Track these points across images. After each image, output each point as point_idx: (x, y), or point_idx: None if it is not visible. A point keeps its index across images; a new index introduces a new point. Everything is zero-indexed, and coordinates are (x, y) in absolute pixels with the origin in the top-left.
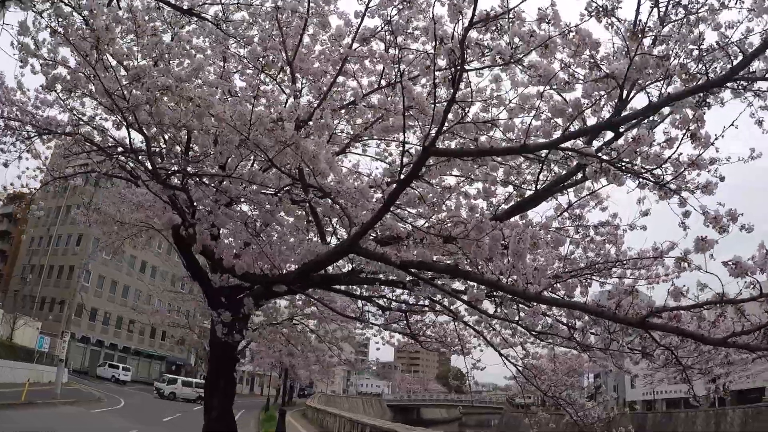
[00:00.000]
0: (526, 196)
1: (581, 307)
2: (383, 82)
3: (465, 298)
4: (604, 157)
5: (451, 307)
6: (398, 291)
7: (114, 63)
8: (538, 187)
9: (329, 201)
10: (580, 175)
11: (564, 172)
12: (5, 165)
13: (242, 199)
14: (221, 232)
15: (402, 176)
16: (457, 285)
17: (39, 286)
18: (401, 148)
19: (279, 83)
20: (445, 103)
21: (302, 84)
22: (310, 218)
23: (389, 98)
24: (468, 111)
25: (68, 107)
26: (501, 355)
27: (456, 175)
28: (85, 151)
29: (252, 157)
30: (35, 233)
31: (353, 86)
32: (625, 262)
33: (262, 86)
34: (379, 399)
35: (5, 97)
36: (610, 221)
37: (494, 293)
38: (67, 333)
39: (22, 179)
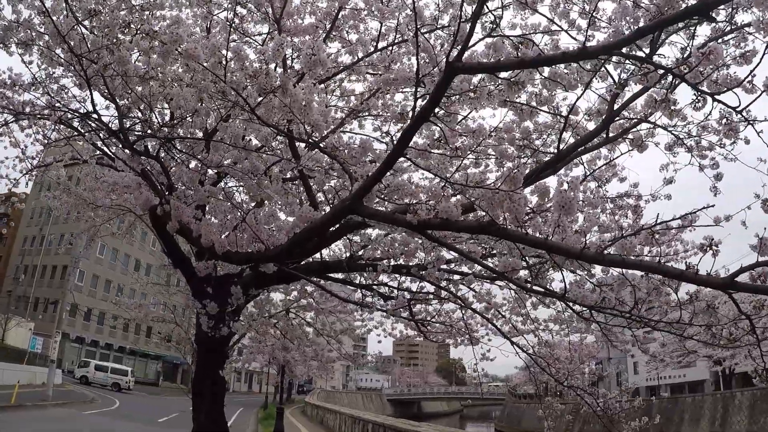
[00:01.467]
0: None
1: (654, 268)
2: (381, 44)
3: (493, 267)
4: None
5: (459, 294)
6: (401, 279)
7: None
8: (560, 147)
9: (324, 162)
10: (602, 137)
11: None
12: None
13: (225, 172)
14: (206, 211)
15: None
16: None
17: (32, 286)
18: (413, 91)
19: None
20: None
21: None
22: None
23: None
24: (499, 21)
25: (40, 83)
26: (512, 343)
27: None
28: (65, 137)
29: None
30: (28, 233)
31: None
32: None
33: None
34: (379, 394)
35: None
36: (630, 192)
37: (528, 261)
38: (58, 333)
39: (1, 169)
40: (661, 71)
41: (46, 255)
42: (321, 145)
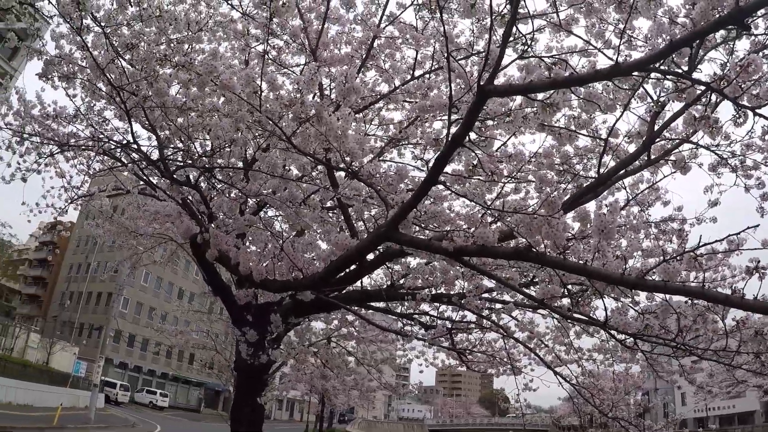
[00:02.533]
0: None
1: (698, 293)
2: (417, 72)
3: (532, 294)
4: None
5: (501, 323)
6: (442, 308)
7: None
8: (600, 170)
9: (363, 190)
10: (643, 159)
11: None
12: (23, 180)
13: (265, 201)
14: (245, 240)
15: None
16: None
17: (78, 312)
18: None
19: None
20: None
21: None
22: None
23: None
24: (532, 43)
25: (84, 115)
26: (555, 373)
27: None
28: (108, 168)
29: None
30: (74, 261)
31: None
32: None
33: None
34: (421, 424)
35: (25, 111)
36: (675, 216)
37: (569, 288)
38: (102, 358)
39: (47, 199)
40: (699, 86)
41: (92, 282)
42: (357, 173)
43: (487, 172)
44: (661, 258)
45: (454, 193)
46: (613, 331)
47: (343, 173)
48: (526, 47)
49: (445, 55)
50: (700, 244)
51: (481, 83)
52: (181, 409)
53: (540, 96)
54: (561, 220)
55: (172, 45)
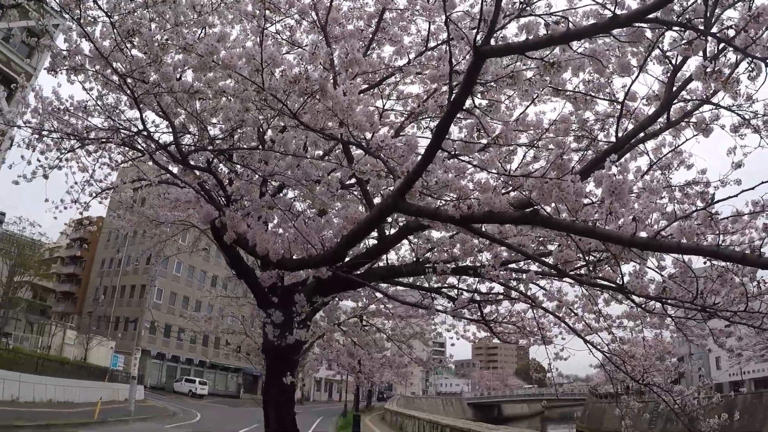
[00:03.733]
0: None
1: (713, 252)
2: (432, 44)
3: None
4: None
5: (528, 293)
6: (470, 280)
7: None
8: (619, 134)
9: (377, 166)
10: (662, 122)
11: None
12: (45, 177)
13: (276, 179)
14: (269, 222)
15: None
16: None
17: (112, 306)
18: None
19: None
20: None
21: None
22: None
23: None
24: (530, 4)
25: (101, 107)
26: (585, 341)
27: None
28: (130, 159)
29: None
30: (105, 255)
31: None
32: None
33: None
34: (459, 398)
35: (43, 108)
36: (698, 179)
37: (585, 254)
38: (138, 350)
39: (71, 194)
40: (705, 37)
41: (124, 275)
42: (367, 146)
43: (490, 136)
44: (675, 218)
45: (465, 162)
46: (632, 296)
47: (359, 149)
48: (523, 5)
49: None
50: (714, 200)
51: (477, 44)
52: (221, 396)
53: (542, 55)
54: (577, 185)
55: (173, 29)
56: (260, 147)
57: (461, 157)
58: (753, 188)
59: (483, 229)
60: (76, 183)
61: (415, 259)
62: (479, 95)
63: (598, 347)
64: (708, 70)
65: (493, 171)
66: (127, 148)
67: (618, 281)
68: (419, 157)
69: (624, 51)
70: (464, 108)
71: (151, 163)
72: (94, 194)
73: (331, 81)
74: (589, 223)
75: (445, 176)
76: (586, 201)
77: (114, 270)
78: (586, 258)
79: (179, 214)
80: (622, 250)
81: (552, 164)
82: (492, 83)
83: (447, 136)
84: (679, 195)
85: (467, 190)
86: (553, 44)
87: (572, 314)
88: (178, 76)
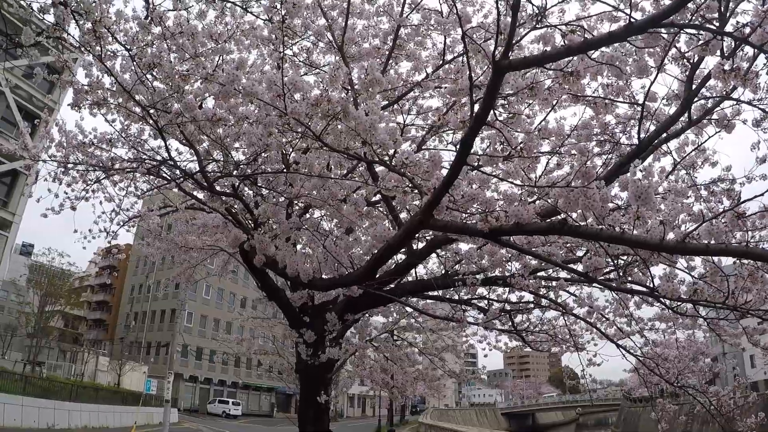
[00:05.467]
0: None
1: (742, 252)
2: (447, 57)
3: (577, 269)
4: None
5: (559, 300)
6: (499, 291)
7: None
8: (641, 136)
9: (403, 183)
10: (684, 121)
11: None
12: (73, 208)
13: (303, 200)
14: (297, 243)
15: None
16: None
17: (144, 332)
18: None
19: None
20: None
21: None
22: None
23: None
24: (545, 12)
25: (125, 138)
26: (618, 346)
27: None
28: (155, 187)
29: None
30: (134, 282)
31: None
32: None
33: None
34: (493, 408)
35: (67, 141)
36: (724, 176)
37: (614, 259)
38: (171, 374)
39: (99, 224)
40: (720, 37)
41: (154, 300)
42: (391, 164)
43: (513, 148)
44: (702, 220)
45: (488, 175)
46: (663, 299)
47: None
48: (539, 17)
49: (460, 34)
50: (741, 200)
51: (495, 59)
52: (255, 416)
53: (559, 66)
54: (602, 191)
55: (193, 60)
56: (285, 170)
57: (484, 169)
58: None
59: (513, 241)
60: (103, 212)
61: (444, 272)
62: (501, 108)
63: (631, 351)
64: (726, 68)
65: (518, 182)
66: (152, 177)
67: (648, 284)
68: (444, 173)
69: (641, 53)
70: (488, 122)
71: (176, 190)
72: (121, 223)
73: (352, 101)
74: (616, 229)
75: (470, 189)
76: (611, 206)
77: (144, 296)
78: (615, 263)
79: (207, 239)
80: (651, 254)
81: (576, 172)
82: (512, 96)
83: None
84: (705, 194)
85: (493, 202)
86: (571, 55)
87: (603, 319)
88: (199, 104)
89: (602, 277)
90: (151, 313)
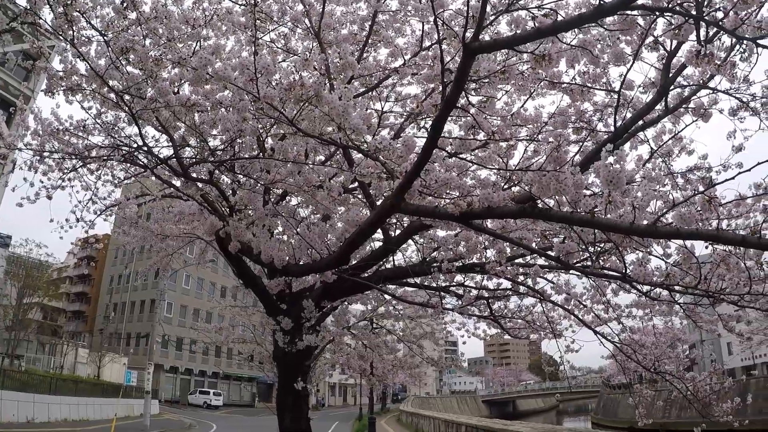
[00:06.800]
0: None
1: (712, 236)
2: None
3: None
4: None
5: (536, 287)
6: (477, 278)
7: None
8: (617, 124)
9: (378, 168)
10: (661, 109)
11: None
12: (49, 197)
13: (279, 187)
14: (274, 230)
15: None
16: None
17: (123, 323)
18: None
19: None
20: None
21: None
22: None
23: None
24: None
25: (102, 125)
26: (595, 332)
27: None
28: (132, 175)
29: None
30: (113, 272)
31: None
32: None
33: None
34: (474, 396)
35: (43, 129)
36: (700, 165)
37: (587, 245)
38: (151, 365)
39: (75, 213)
40: (691, 21)
41: (133, 291)
42: (365, 149)
43: (487, 133)
44: (673, 204)
45: (464, 160)
46: (636, 284)
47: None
48: (511, 1)
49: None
50: (712, 184)
51: (466, 41)
52: (236, 406)
53: (531, 49)
54: (576, 177)
55: (166, 44)
56: (260, 156)
57: (461, 155)
58: (749, 170)
59: (485, 225)
60: (80, 202)
61: (421, 259)
62: (473, 92)
63: (609, 338)
64: (699, 53)
65: (493, 167)
66: (129, 165)
67: (622, 270)
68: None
69: (617, 40)
70: (459, 106)
71: (153, 178)
72: (98, 212)
73: (327, 86)
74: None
75: (445, 175)
76: (587, 192)
77: (123, 286)
78: (589, 249)
79: (184, 227)
80: (623, 238)
81: (549, 157)
82: (485, 79)
83: (446, 135)
84: (681, 181)
85: (467, 188)
86: (541, 37)
87: (581, 306)
88: (175, 90)
89: (578, 263)
90: (130, 303)
